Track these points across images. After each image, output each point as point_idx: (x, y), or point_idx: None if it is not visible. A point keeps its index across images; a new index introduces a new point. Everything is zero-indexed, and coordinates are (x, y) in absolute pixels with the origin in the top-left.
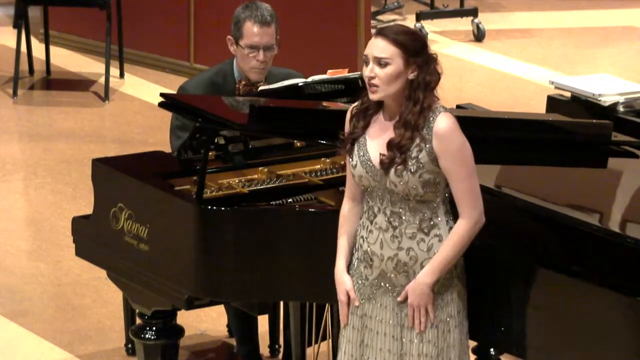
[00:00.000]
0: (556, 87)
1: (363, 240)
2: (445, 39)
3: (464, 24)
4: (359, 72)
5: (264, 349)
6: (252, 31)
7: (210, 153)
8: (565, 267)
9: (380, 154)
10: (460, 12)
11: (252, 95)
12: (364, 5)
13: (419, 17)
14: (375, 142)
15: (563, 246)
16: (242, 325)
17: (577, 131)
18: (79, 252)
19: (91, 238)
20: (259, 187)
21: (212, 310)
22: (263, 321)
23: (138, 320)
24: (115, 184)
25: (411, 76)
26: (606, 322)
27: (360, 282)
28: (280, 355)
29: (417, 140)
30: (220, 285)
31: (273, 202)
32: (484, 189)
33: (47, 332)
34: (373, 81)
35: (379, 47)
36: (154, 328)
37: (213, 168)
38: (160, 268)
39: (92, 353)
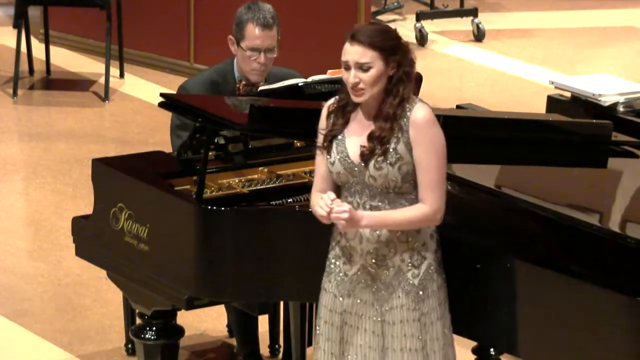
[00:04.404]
0: (556, 87)
1: (341, 236)
2: (445, 39)
3: (464, 24)
4: None
5: (264, 349)
6: (254, 34)
7: (210, 153)
8: (565, 267)
9: (361, 145)
10: (460, 12)
11: (252, 95)
12: (364, 5)
13: (419, 17)
14: (355, 138)
15: (563, 246)
16: (242, 325)
17: (577, 131)
18: (79, 252)
19: (91, 238)
20: (259, 187)
21: (212, 310)
22: (263, 321)
23: (138, 320)
24: (115, 184)
25: (391, 72)
26: (606, 322)
27: (339, 278)
28: (280, 355)
29: (396, 131)
30: (220, 285)
31: (273, 202)
32: (484, 189)
33: (47, 332)
34: (359, 86)
35: (357, 53)
36: (154, 328)
37: (213, 168)
38: (160, 268)
39: (92, 353)
